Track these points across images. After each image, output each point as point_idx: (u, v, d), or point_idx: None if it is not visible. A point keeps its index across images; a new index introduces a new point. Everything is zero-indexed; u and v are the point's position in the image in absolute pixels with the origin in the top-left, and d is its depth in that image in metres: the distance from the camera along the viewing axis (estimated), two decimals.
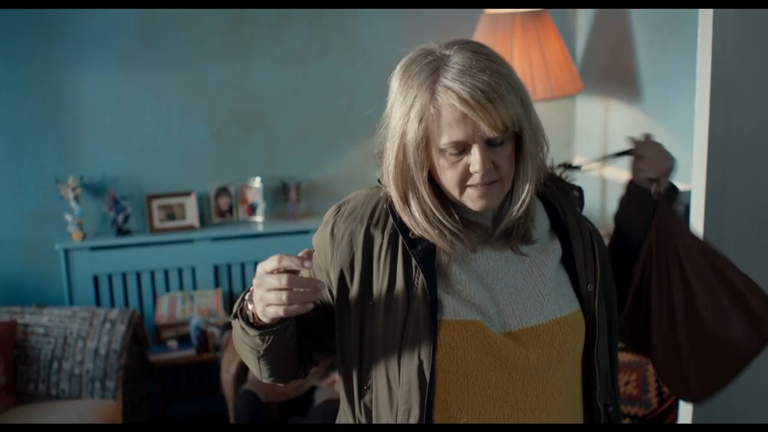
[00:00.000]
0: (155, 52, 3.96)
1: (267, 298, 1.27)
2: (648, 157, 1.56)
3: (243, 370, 3.48)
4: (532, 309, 1.41)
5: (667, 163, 1.58)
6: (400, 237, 1.40)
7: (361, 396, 1.43)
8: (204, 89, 4.04)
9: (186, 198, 4.04)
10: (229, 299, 4.11)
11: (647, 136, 1.60)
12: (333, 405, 3.16)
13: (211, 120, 4.08)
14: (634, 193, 1.60)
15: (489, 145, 1.32)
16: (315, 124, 4.20)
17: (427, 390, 1.34)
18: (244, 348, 1.43)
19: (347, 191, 4.53)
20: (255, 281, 1.31)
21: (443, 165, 1.35)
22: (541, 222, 1.49)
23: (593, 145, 4.13)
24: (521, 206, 1.40)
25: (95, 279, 3.95)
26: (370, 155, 4.20)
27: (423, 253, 1.39)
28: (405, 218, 1.39)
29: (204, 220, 4.11)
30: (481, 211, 1.38)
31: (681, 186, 3.49)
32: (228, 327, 3.94)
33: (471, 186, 1.35)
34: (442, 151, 1.33)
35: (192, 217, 4.05)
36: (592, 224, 1.55)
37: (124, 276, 3.99)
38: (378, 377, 1.40)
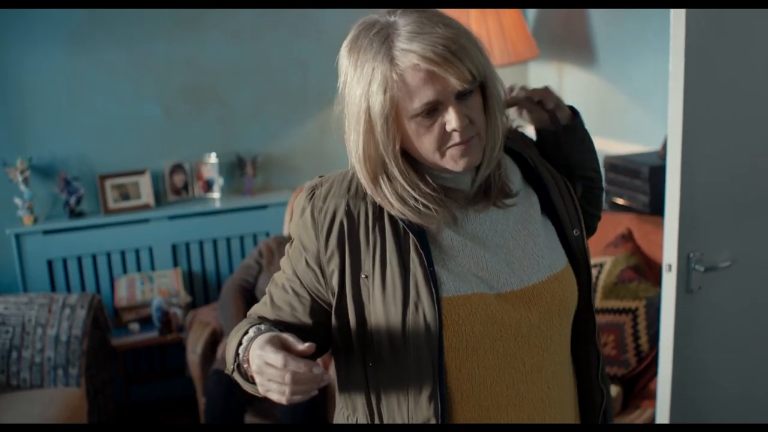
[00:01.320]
0: (103, 27, 3.82)
1: (268, 386, 1.22)
2: (544, 95, 1.52)
3: (210, 349, 3.43)
4: (529, 267, 1.39)
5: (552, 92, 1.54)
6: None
7: (366, 372, 1.38)
8: (155, 65, 3.93)
9: (140, 177, 3.94)
10: (189, 278, 4.03)
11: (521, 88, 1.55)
12: None
13: (163, 96, 3.97)
14: (551, 136, 1.55)
15: (460, 100, 1.28)
16: (269, 98, 4.12)
17: (438, 372, 1.32)
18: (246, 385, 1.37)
19: (304, 164, 4.51)
20: (254, 367, 1.24)
21: (418, 132, 1.29)
22: (515, 174, 1.46)
23: None
24: (494, 158, 1.37)
25: (49, 263, 3.82)
26: (326, 127, 4.17)
27: (410, 222, 1.35)
28: (378, 200, 1.35)
29: (159, 199, 4.02)
30: (463, 171, 1.33)
31: (639, 148, 3.54)
32: (190, 307, 3.87)
33: (450, 147, 1.30)
34: (413, 117, 1.28)
35: (147, 196, 3.94)
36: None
37: (79, 259, 3.87)
38: (382, 351, 1.36)
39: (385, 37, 1.27)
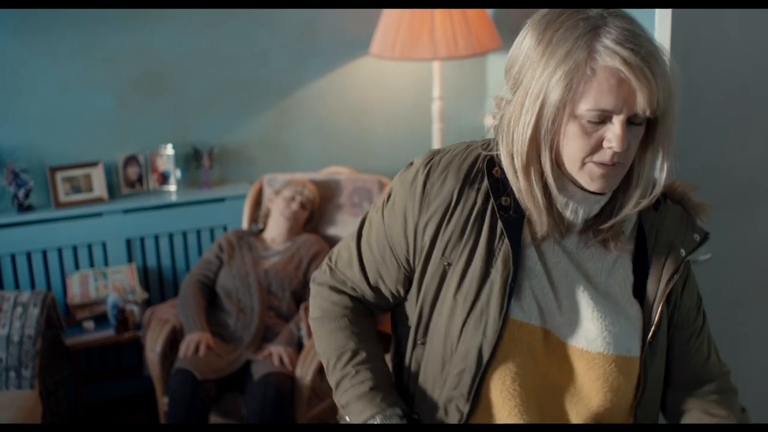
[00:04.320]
0: (50, 11, 3.64)
1: None
2: None
3: (170, 348, 3.31)
4: (589, 330, 1.32)
5: None
6: (492, 200, 1.31)
7: (414, 347, 1.40)
8: (106, 52, 3.77)
9: (92, 169, 3.78)
10: (144, 273, 3.90)
11: None
12: (273, 379, 3.04)
13: (115, 85, 3.82)
14: None
15: (630, 122, 1.21)
16: (225, 87, 4.00)
17: (478, 378, 1.32)
18: None
19: (261, 155, 4.41)
20: None
21: (573, 132, 1.22)
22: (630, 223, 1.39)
23: None
24: (645, 203, 1.30)
25: None
26: (284, 117, 4.09)
27: (511, 221, 1.30)
28: (523, 186, 1.27)
29: (113, 192, 3.86)
30: (595, 191, 1.27)
31: None
32: (147, 304, 3.75)
33: (595, 162, 1.24)
34: (578, 117, 1.21)
35: (100, 188, 3.79)
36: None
37: (28, 255, 3.70)
38: (434, 338, 1.35)
39: (593, 27, 1.20)
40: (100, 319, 3.65)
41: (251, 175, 4.07)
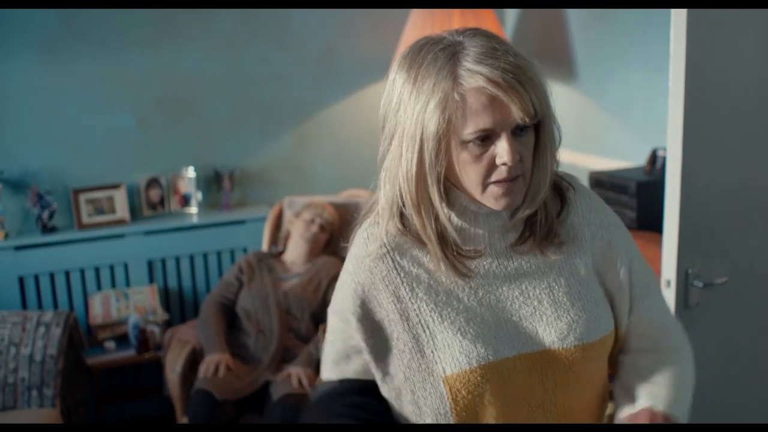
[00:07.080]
0: (77, 36, 3.73)
1: None
2: None
3: (189, 368, 3.34)
4: (557, 329, 1.31)
5: None
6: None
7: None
8: (130, 76, 3.84)
9: (115, 191, 3.84)
10: (165, 294, 3.94)
11: None
12: (292, 400, 3.06)
13: (138, 108, 3.89)
14: None
15: (515, 134, 1.22)
16: (246, 111, 4.06)
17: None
18: None
19: (281, 178, 4.43)
20: None
21: (465, 159, 1.23)
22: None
23: None
24: (537, 201, 1.30)
25: (21, 280, 3.70)
26: (304, 141, 4.13)
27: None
28: (417, 222, 1.28)
29: (135, 214, 3.92)
30: (502, 209, 1.28)
31: (620, 164, 3.53)
32: (167, 324, 3.78)
33: (495, 183, 1.24)
34: (464, 144, 1.22)
35: (122, 210, 3.85)
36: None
37: (51, 276, 3.76)
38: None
39: (451, 55, 1.21)
40: (121, 340, 3.69)
41: (271, 198, 4.11)
